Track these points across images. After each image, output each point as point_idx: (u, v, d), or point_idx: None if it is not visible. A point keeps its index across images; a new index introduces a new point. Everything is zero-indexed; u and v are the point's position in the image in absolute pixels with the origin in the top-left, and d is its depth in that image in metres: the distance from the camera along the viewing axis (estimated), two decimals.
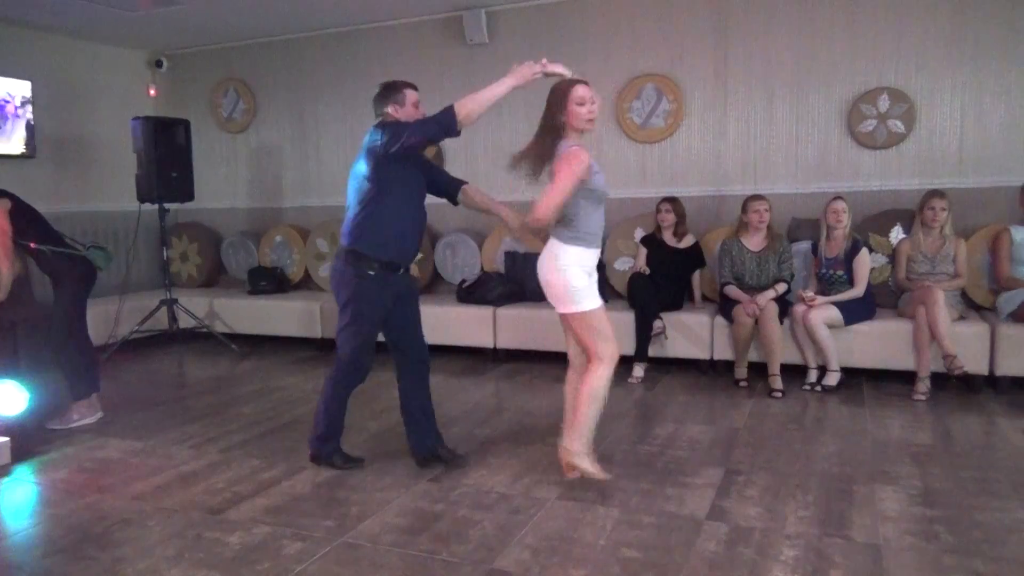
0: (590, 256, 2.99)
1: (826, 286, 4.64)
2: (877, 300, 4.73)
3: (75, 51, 6.54)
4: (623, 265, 5.54)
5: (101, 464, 3.54)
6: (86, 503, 3.07)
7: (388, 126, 3.07)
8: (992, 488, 3.01)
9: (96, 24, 6.13)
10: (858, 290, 4.52)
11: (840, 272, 4.57)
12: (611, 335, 3.03)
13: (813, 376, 4.52)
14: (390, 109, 3.22)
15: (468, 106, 2.93)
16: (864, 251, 4.54)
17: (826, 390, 4.43)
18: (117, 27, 6.25)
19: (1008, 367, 4.26)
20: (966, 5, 4.83)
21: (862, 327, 4.49)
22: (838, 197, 4.64)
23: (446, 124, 2.94)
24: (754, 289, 4.68)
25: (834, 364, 4.45)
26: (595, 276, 3.03)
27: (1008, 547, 2.52)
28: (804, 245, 4.96)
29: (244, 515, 2.91)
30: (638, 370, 4.81)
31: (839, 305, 4.46)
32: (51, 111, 6.27)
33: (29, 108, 5.94)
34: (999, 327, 4.28)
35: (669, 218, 5.05)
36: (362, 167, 3.14)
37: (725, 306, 4.77)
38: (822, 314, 4.42)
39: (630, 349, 4.84)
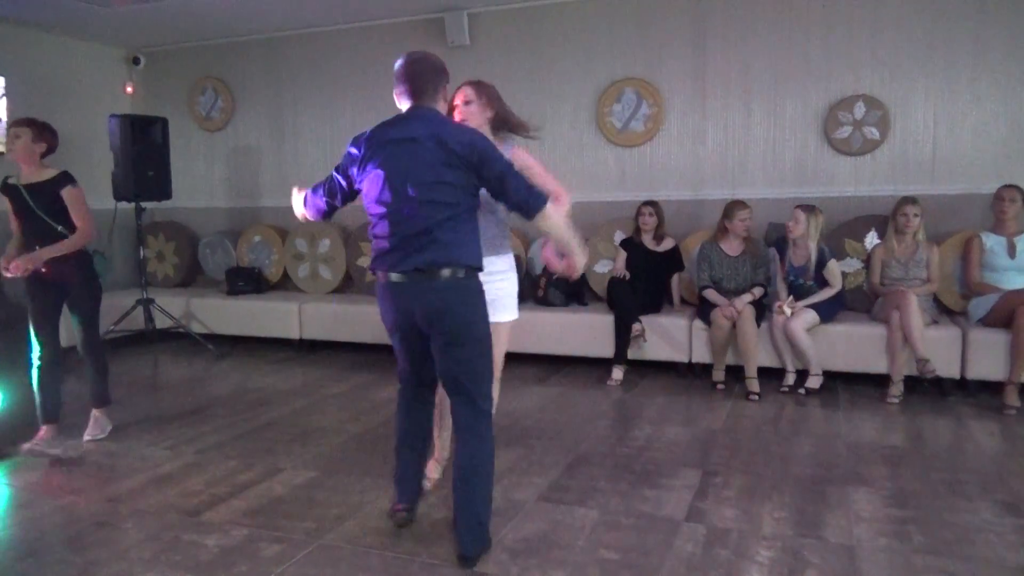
0: None
1: (794, 293, 4.69)
2: (852, 304, 4.85)
3: (51, 47, 6.44)
4: (603, 268, 5.57)
5: (75, 466, 3.49)
6: (60, 505, 3.03)
7: None
8: (962, 489, 3.07)
9: (73, 20, 6.05)
10: (834, 290, 4.60)
11: (809, 282, 4.63)
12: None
13: (791, 379, 4.57)
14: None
15: None
16: (832, 262, 4.62)
17: (809, 392, 4.48)
18: (94, 23, 6.17)
19: (978, 371, 4.33)
20: (939, 16, 4.92)
21: (838, 329, 4.55)
22: (797, 206, 4.68)
23: None
24: (732, 292, 4.73)
25: (816, 368, 4.50)
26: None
27: (977, 547, 2.57)
28: (771, 251, 4.99)
29: (221, 517, 2.88)
30: (617, 373, 4.83)
31: (814, 306, 4.52)
32: (26, 107, 6.16)
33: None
34: (970, 331, 4.35)
35: (651, 221, 5.08)
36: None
37: (703, 309, 4.81)
38: (801, 320, 4.48)
39: (609, 352, 4.90)
